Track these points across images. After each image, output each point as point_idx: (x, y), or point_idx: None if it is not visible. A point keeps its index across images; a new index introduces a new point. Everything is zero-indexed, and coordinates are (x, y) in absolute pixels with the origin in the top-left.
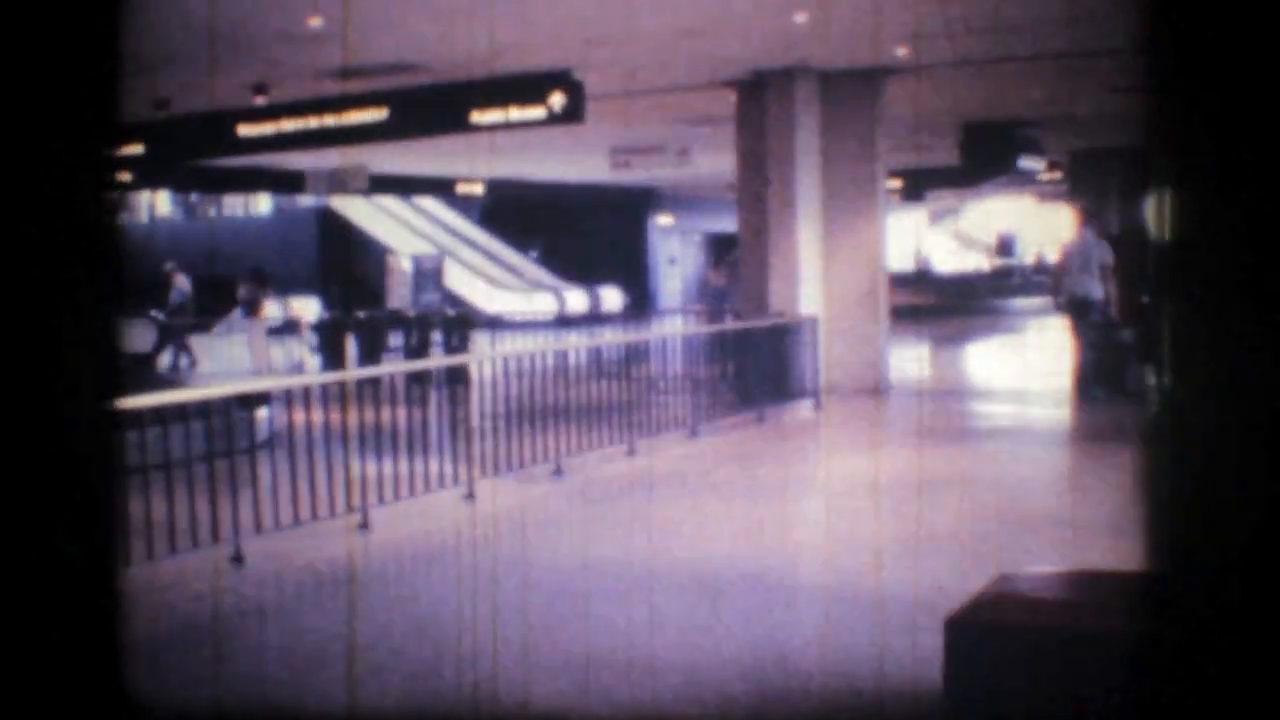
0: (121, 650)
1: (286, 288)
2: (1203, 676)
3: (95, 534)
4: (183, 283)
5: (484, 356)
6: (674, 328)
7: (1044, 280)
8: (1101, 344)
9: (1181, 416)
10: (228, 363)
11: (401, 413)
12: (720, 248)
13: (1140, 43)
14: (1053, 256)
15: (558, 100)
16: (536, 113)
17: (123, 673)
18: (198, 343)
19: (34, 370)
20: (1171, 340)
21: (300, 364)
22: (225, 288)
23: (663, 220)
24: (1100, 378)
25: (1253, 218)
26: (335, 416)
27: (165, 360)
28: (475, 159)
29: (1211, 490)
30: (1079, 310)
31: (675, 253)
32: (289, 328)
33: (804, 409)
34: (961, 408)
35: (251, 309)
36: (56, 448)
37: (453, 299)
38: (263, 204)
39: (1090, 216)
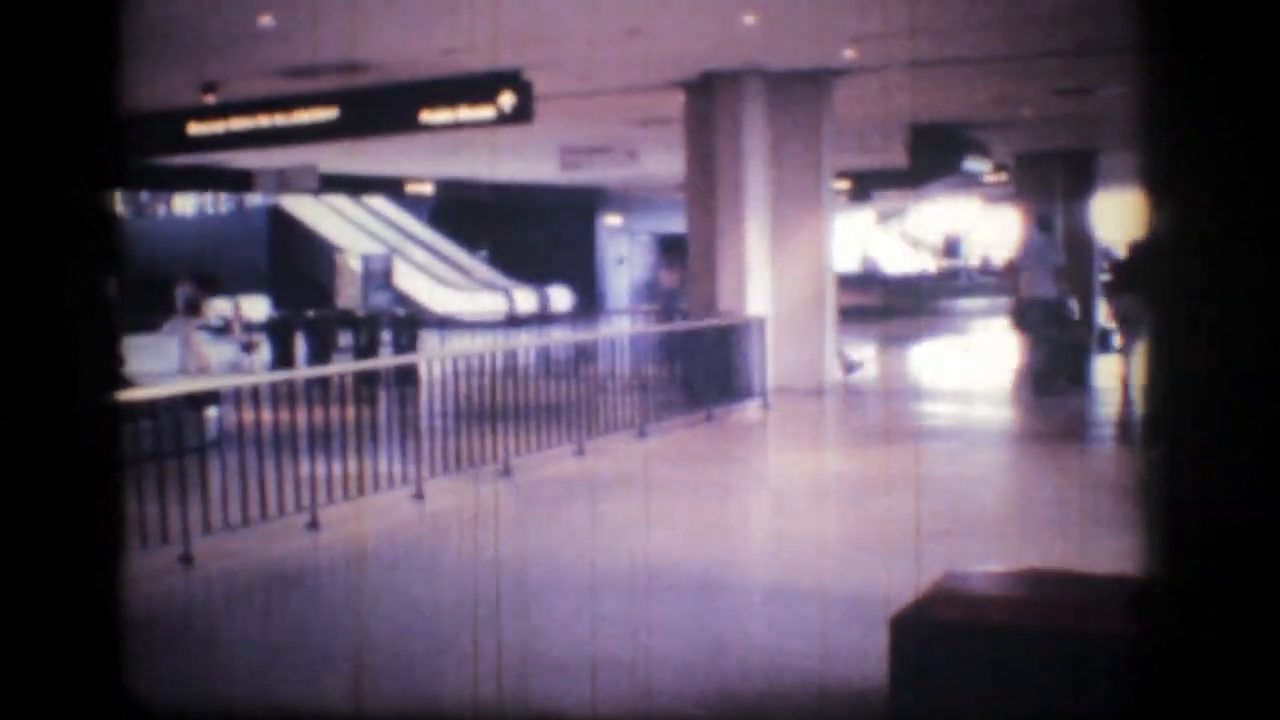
0: (121, 650)
1: (236, 287)
2: (1193, 678)
3: (95, 532)
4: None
5: (433, 356)
6: (622, 328)
7: (989, 281)
8: (1060, 340)
9: (1174, 416)
10: (173, 363)
11: (351, 412)
12: (671, 248)
13: (1140, 43)
14: (998, 258)
15: (507, 100)
16: (486, 113)
17: (122, 672)
18: (146, 342)
19: (34, 364)
20: (1167, 339)
21: (235, 364)
22: (171, 287)
23: (611, 220)
24: (1060, 372)
25: (1251, 217)
26: (284, 416)
27: None
28: (425, 159)
29: (1206, 490)
30: (1034, 309)
31: (624, 253)
32: (227, 328)
33: (752, 409)
34: (908, 407)
35: (192, 310)
36: (57, 443)
37: (402, 298)
38: (216, 203)
39: (1040, 219)
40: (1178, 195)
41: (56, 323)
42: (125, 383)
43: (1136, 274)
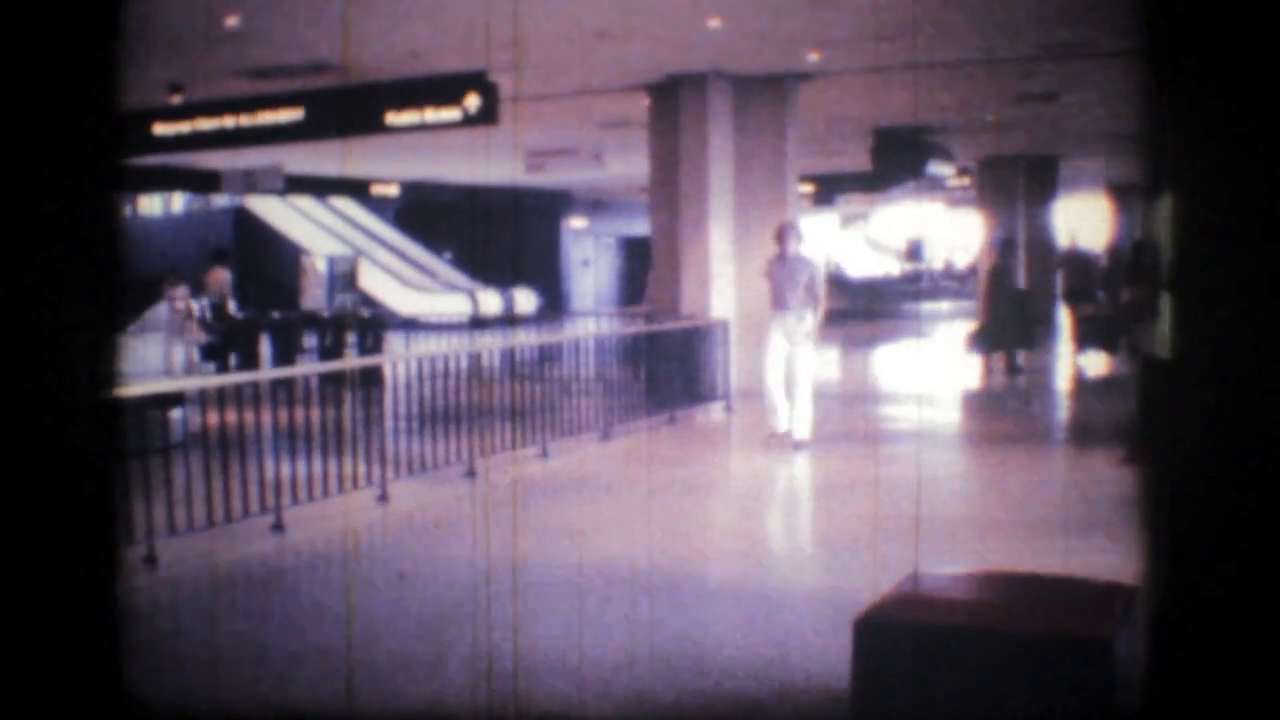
0: (121, 650)
1: (201, 287)
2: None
3: (94, 533)
4: None
5: (398, 358)
6: (587, 330)
7: (952, 285)
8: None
9: (1182, 417)
10: (142, 364)
11: (315, 414)
12: (649, 251)
13: (1143, 45)
14: (961, 262)
15: (473, 102)
16: (451, 114)
17: (122, 672)
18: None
19: (33, 362)
20: (1174, 337)
21: (188, 368)
22: (137, 287)
23: (576, 223)
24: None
25: (1255, 218)
26: (249, 417)
27: None
28: (391, 160)
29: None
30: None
31: (588, 255)
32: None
33: (715, 411)
34: (870, 410)
35: (188, 313)
36: (56, 440)
37: (367, 300)
38: (178, 203)
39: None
40: (1179, 194)
41: (55, 321)
42: (122, 380)
43: (1146, 267)
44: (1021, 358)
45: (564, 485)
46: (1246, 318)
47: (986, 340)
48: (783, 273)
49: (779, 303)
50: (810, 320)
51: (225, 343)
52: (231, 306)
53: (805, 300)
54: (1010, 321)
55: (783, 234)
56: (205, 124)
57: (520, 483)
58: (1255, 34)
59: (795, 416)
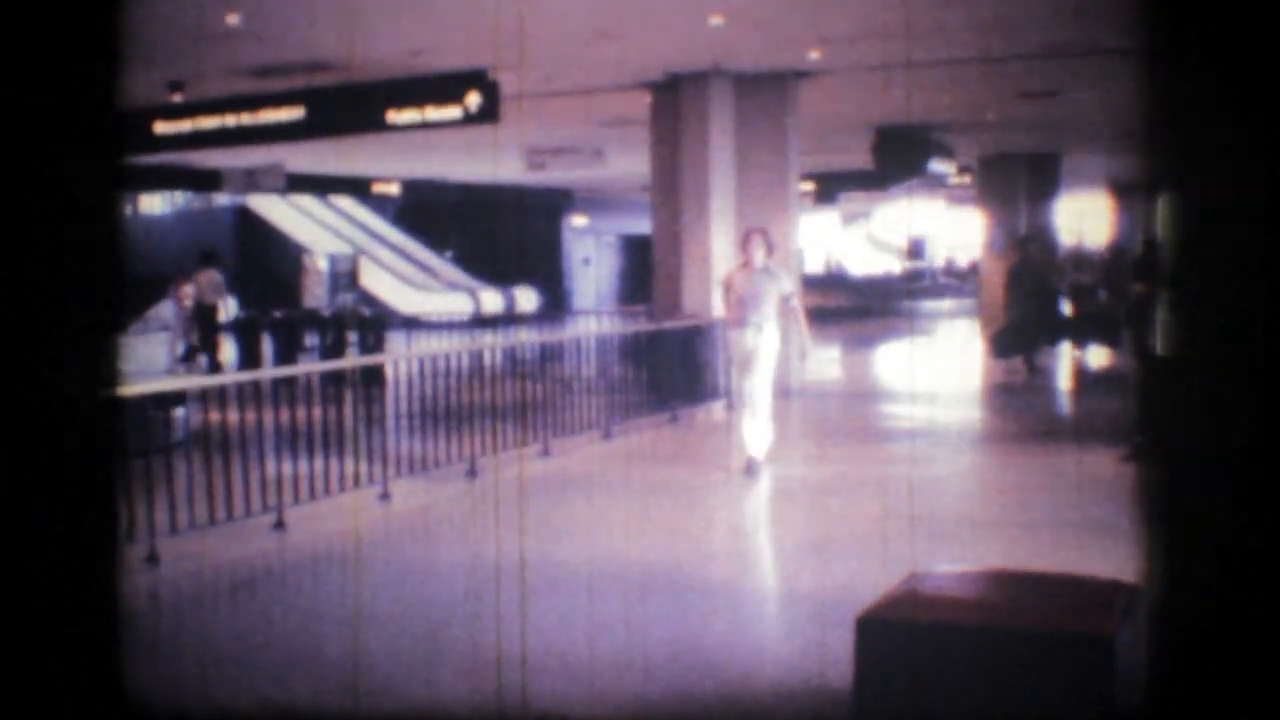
0: (121, 650)
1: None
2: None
3: (94, 532)
4: None
5: (399, 356)
6: (588, 328)
7: (953, 283)
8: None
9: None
10: (145, 363)
11: (317, 412)
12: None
13: (1143, 44)
14: (962, 260)
15: (474, 100)
16: (452, 113)
17: (122, 672)
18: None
19: (33, 362)
20: (1175, 336)
21: (172, 367)
22: (139, 286)
23: (577, 221)
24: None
25: (1255, 217)
26: (251, 416)
27: None
28: (392, 158)
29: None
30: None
31: (590, 254)
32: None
33: (717, 410)
34: (872, 409)
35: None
36: (56, 439)
37: (368, 299)
38: (179, 202)
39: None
40: (1179, 192)
41: (55, 321)
42: (122, 379)
43: (1156, 264)
44: (1040, 358)
45: (566, 484)
46: (1246, 316)
47: (1008, 343)
48: (747, 284)
49: (739, 318)
50: (775, 333)
51: (206, 345)
52: (222, 309)
53: (771, 316)
54: (1033, 321)
55: (747, 241)
56: (206, 122)
57: (522, 481)
58: (1255, 33)
59: (755, 433)
